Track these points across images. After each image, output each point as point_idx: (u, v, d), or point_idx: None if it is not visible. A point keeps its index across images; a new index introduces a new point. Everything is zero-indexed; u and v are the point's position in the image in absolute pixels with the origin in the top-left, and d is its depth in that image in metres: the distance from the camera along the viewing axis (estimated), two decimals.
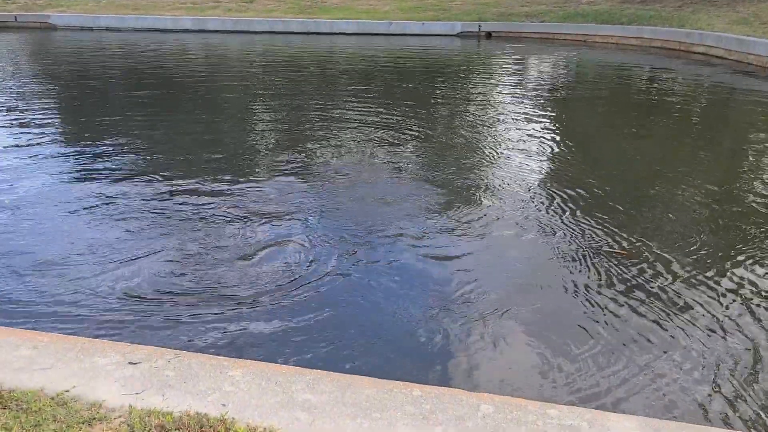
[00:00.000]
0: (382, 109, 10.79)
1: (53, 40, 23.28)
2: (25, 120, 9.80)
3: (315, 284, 4.55)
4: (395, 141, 8.68)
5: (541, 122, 9.91)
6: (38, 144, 8.35)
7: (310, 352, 3.76)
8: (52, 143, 8.50)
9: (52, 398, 2.62)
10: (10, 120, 9.79)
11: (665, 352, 3.77)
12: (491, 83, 14.14)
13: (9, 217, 5.73)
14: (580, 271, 4.82)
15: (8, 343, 3.07)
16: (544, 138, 8.91)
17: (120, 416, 2.54)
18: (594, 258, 5.03)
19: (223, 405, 2.68)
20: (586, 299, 4.40)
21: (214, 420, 2.54)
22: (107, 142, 8.46)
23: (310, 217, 5.82)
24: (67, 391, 2.68)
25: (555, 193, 6.54)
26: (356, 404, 2.74)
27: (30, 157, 7.68)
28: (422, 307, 4.28)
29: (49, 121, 9.94)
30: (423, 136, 9.10)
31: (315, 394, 2.80)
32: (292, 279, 4.62)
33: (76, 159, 7.68)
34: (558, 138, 8.99)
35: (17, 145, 8.26)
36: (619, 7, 22.73)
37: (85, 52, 19.64)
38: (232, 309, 4.19)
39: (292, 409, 2.68)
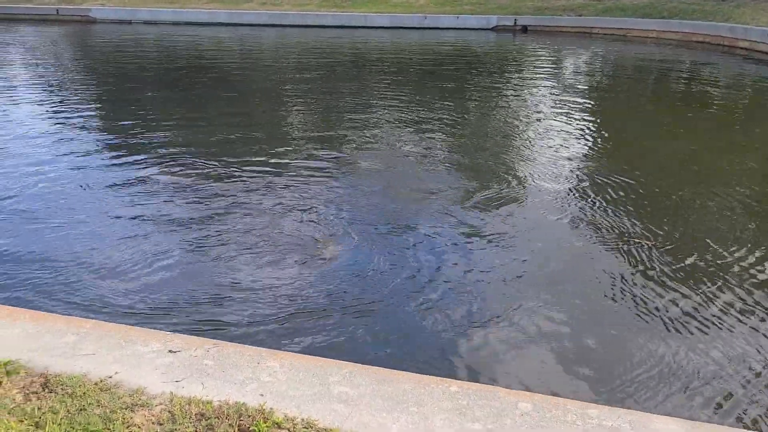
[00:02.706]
0: (414, 101, 10.75)
1: (93, 33, 23.75)
2: (66, 108, 10.02)
3: (344, 277, 4.56)
4: (428, 132, 8.65)
5: (576, 116, 9.77)
6: (78, 132, 8.52)
7: (342, 343, 3.76)
8: (90, 133, 8.66)
9: (96, 384, 2.67)
10: (53, 109, 10.01)
11: (705, 350, 3.68)
12: (526, 77, 13.98)
13: (46, 203, 5.86)
14: (613, 262, 4.75)
15: (54, 329, 3.14)
16: (579, 131, 8.79)
17: (161, 403, 2.58)
18: (624, 248, 4.97)
19: (261, 395, 2.70)
20: (621, 292, 4.33)
21: (253, 410, 2.56)
22: (144, 131, 8.60)
23: (341, 208, 5.82)
24: (110, 377, 2.73)
25: (589, 183, 6.47)
26: (393, 398, 2.73)
27: (68, 144, 7.85)
28: (455, 301, 4.25)
29: (88, 111, 10.14)
30: (456, 128, 9.05)
31: (352, 386, 2.81)
32: (325, 269, 4.64)
33: (113, 148, 7.81)
34: (593, 131, 8.86)
35: (59, 132, 8.44)
36: (659, 1, 22.26)
37: (123, 45, 20.00)
38: (265, 299, 4.22)
39: (329, 401, 2.68)
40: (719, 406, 3.26)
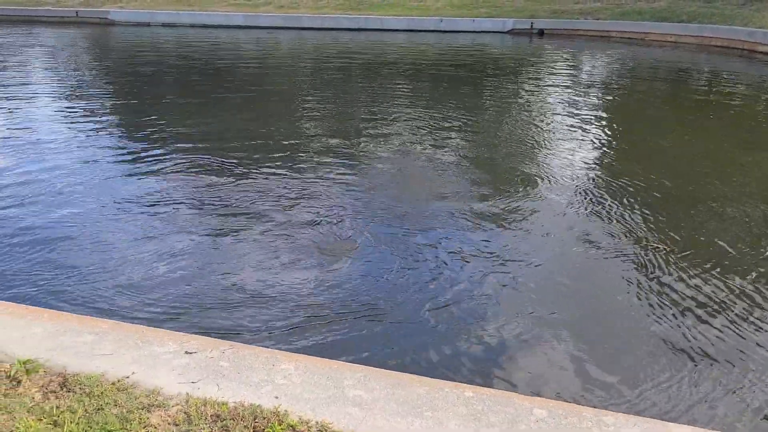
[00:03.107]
0: (430, 104, 10.76)
1: (112, 35, 24.01)
2: (83, 109, 10.13)
3: (358, 280, 4.57)
4: (443, 134, 8.64)
5: (592, 119, 9.72)
6: (94, 132, 8.61)
7: (356, 347, 3.77)
8: (106, 133, 8.75)
9: (113, 383, 2.69)
10: (70, 109, 10.13)
11: (724, 357, 3.65)
12: (542, 80, 13.93)
13: (62, 204, 5.92)
14: (630, 267, 4.71)
15: (72, 329, 3.18)
16: (595, 134, 8.74)
17: (177, 404, 2.60)
18: (641, 252, 4.94)
19: (276, 397, 2.71)
20: (637, 298, 4.29)
21: (268, 412, 2.58)
22: (160, 132, 8.68)
23: (356, 210, 5.83)
24: (127, 377, 2.75)
25: (606, 186, 6.45)
26: (407, 402, 2.73)
27: (85, 144, 7.93)
28: (469, 306, 4.24)
29: (105, 111, 10.25)
30: (471, 131, 9.04)
31: (366, 390, 2.81)
32: (339, 271, 4.65)
33: (129, 149, 7.89)
34: (609, 134, 8.81)
35: (76, 132, 8.54)
36: (678, 5, 22.10)
37: (141, 46, 20.20)
38: (280, 301, 4.24)
39: (343, 405, 2.69)
40: (739, 417, 3.22)
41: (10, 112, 10.04)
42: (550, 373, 3.57)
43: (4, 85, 12.51)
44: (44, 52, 18.44)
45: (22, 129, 8.87)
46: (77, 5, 30.12)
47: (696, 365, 3.62)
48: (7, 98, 11.14)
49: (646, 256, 4.99)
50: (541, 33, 23.07)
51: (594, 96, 11.97)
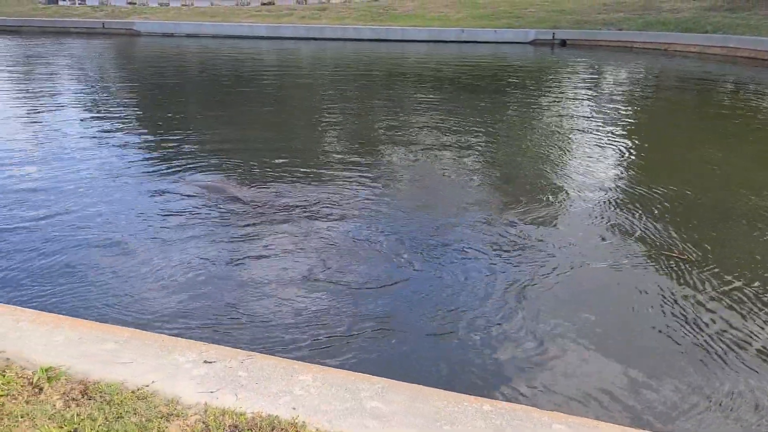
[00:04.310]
0: (452, 114, 10.75)
1: (137, 46, 24.39)
2: (107, 117, 10.29)
3: (377, 291, 4.55)
4: (465, 144, 8.62)
5: (615, 129, 9.63)
6: (117, 140, 8.74)
7: (375, 358, 3.76)
8: (129, 141, 8.87)
9: (133, 392, 2.71)
10: (94, 117, 10.29)
11: (745, 373, 3.57)
12: (564, 90, 13.86)
13: (87, 213, 6.01)
14: (651, 277, 4.65)
15: (93, 336, 3.21)
16: (618, 144, 8.66)
17: (196, 413, 2.61)
18: (662, 263, 4.89)
19: (294, 408, 2.70)
20: (659, 309, 4.22)
21: (286, 423, 2.57)
22: (183, 140, 8.77)
23: (377, 221, 5.83)
24: (147, 386, 2.77)
25: (627, 196, 6.38)
26: (425, 415, 2.71)
27: (107, 152, 8.05)
28: (490, 317, 4.21)
29: (131, 120, 10.40)
30: (493, 141, 9.02)
31: (384, 402, 2.79)
32: (359, 283, 4.64)
33: (153, 158, 7.99)
34: (632, 144, 8.72)
35: (99, 139, 8.67)
36: (703, 15, 21.88)
37: (166, 57, 20.49)
38: (299, 311, 4.25)
39: (361, 417, 2.68)
40: None
41: (39, 121, 10.23)
42: (571, 388, 3.52)
43: (33, 94, 12.77)
44: (72, 62, 18.79)
45: (49, 137, 9.03)
46: (104, 17, 30.68)
47: (718, 381, 3.55)
48: (35, 107, 11.36)
49: (672, 268, 4.92)
50: (563, 43, 22.97)
51: (617, 106, 11.88)
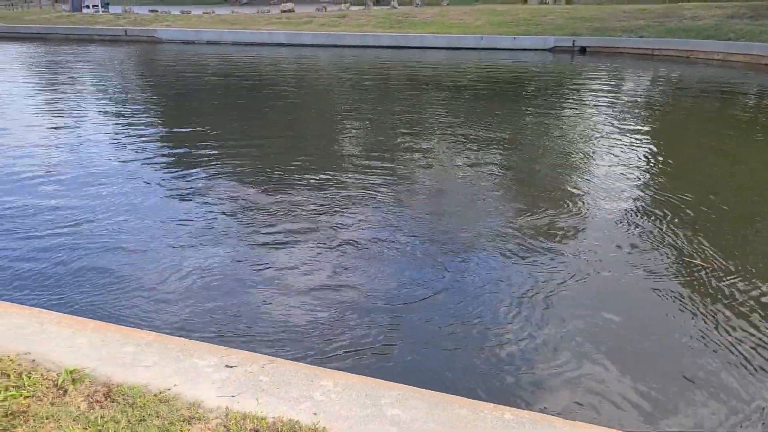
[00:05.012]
0: (470, 121, 10.73)
1: (159, 53, 24.69)
2: (131, 123, 10.41)
3: (397, 297, 4.55)
4: (483, 151, 8.60)
5: (635, 136, 9.55)
6: (138, 146, 8.84)
7: (394, 365, 3.75)
8: (150, 147, 8.97)
9: (155, 395, 2.73)
10: (116, 122, 10.43)
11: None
12: (584, 97, 13.78)
13: (108, 217, 6.08)
14: (671, 286, 4.59)
15: (116, 339, 3.24)
16: (637, 151, 8.58)
17: (217, 417, 2.62)
18: (683, 271, 4.83)
19: (315, 414, 2.71)
20: (680, 317, 4.17)
21: (306, 428, 2.58)
22: (203, 147, 8.85)
23: (394, 227, 5.83)
24: (169, 389, 2.79)
25: (646, 204, 6.33)
26: (446, 423, 2.70)
27: (128, 156, 8.15)
28: (509, 328, 4.19)
29: (153, 126, 10.51)
30: (511, 148, 8.98)
31: (404, 409, 2.79)
32: (378, 290, 4.64)
33: (171, 162, 8.07)
34: (652, 151, 8.64)
35: (120, 144, 8.78)
36: (725, 23, 21.65)
37: (187, 64, 20.71)
38: (317, 317, 4.25)
39: (381, 423, 2.67)
40: None
41: (62, 126, 10.38)
42: (594, 398, 3.49)
43: (57, 100, 12.98)
44: (95, 69, 19.06)
45: (73, 143, 9.17)
46: (126, 24, 31.10)
47: (741, 391, 3.49)
48: (60, 112, 11.54)
49: (695, 275, 4.86)
50: (583, 50, 22.85)
51: (637, 114, 11.78)
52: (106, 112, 11.91)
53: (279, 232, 5.76)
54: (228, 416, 2.63)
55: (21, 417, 2.52)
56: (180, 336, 3.67)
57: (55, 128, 10.22)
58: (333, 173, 7.74)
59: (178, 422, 2.54)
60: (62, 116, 11.30)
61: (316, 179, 7.45)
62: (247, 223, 5.98)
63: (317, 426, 2.59)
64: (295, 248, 5.41)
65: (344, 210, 6.35)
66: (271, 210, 6.32)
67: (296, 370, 3.08)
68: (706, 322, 4.24)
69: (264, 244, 5.51)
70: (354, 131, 10.64)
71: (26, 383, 2.74)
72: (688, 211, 6.33)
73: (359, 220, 6.07)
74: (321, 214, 6.23)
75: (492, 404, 2.92)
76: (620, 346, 3.98)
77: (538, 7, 32.46)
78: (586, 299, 4.56)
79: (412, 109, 12.50)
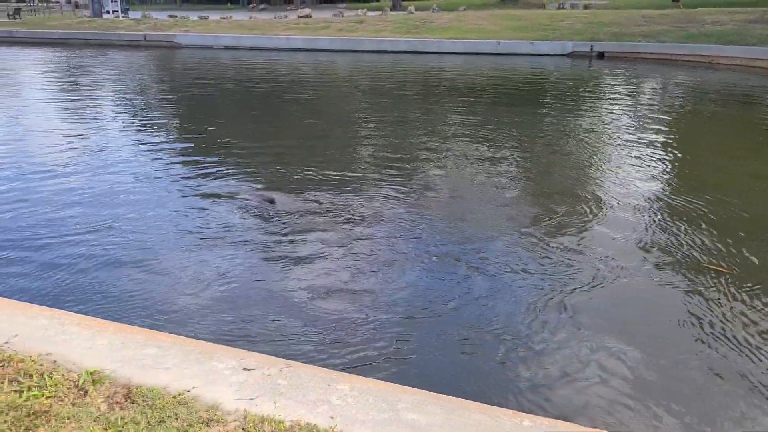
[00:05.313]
0: (486, 126, 10.70)
1: (178, 57, 24.94)
2: (151, 126, 10.52)
3: (414, 303, 4.55)
4: (499, 156, 8.58)
5: (653, 141, 9.46)
6: (160, 151, 8.93)
7: (411, 370, 3.75)
8: (172, 152, 9.05)
9: (174, 397, 2.75)
10: (137, 128, 10.54)
11: None
12: (602, 102, 13.69)
13: (127, 222, 6.14)
14: (689, 290, 4.54)
15: (136, 341, 3.27)
16: (655, 157, 8.51)
17: (235, 420, 2.63)
18: (700, 276, 4.82)
19: (332, 417, 2.71)
20: (698, 322, 4.12)
21: None
22: (221, 151, 8.92)
23: (412, 232, 5.83)
24: (188, 391, 2.81)
25: (664, 208, 6.28)
26: (463, 428, 2.69)
27: (148, 159, 8.23)
28: (525, 333, 4.16)
29: (172, 130, 10.62)
30: (528, 153, 8.95)
31: (422, 414, 2.78)
32: (395, 295, 4.64)
33: (192, 168, 8.13)
34: (670, 157, 8.56)
35: (142, 148, 8.88)
36: (747, 28, 21.42)
37: (205, 68, 20.90)
38: (335, 320, 4.26)
39: (398, 427, 2.67)
40: None
41: (81, 134, 10.52)
42: (610, 405, 3.45)
43: (76, 104, 13.15)
44: (115, 73, 19.30)
45: (92, 148, 9.28)
46: (146, 29, 31.45)
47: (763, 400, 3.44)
48: (80, 117, 11.69)
49: (715, 281, 4.80)
50: (601, 56, 22.71)
51: (656, 119, 11.68)
52: (125, 117, 12.05)
53: (296, 237, 5.78)
54: (246, 419, 2.64)
55: (43, 417, 2.55)
56: (198, 339, 3.70)
57: (74, 133, 10.35)
58: (350, 178, 7.75)
59: (196, 424, 2.55)
60: (82, 121, 11.45)
61: (332, 184, 7.47)
62: (264, 228, 6.01)
63: (334, 430, 2.59)
64: (312, 252, 5.42)
65: (361, 214, 6.36)
66: (289, 214, 6.34)
67: (313, 374, 3.08)
68: (730, 330, 4.19)
69: (281, 248, 5.53)
70: (371, 136, 10.66)
71: (48, 383, 2.77)
72: (709, 216, 6.26)
73: (376, 225, 6.08)
74: (338, 218, 6.24)
75: (511, 411, 2.90)
76: (640, 354, 3.94)
77: (557, 12, 32.33)
78: (603, 305, 4.53)
79: (429, 114, 12.50)
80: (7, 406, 2.61)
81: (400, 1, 47.58)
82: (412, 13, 33.96)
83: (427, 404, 2.87)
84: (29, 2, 55.61)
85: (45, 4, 51.15)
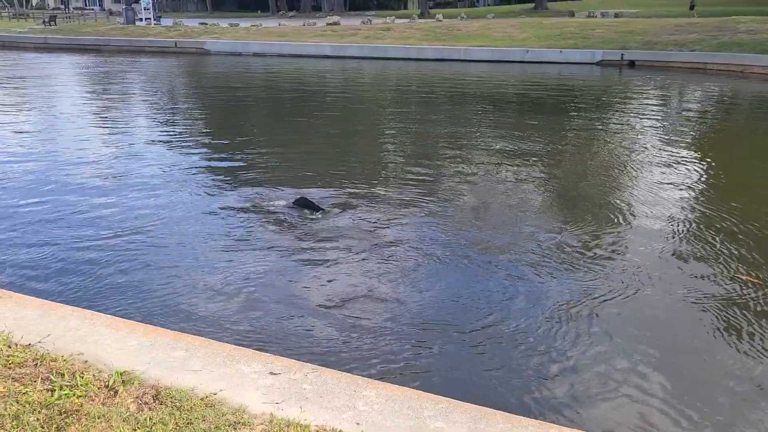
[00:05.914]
0: (513, 133, 10.65)
1: (207, 64, 25.31)
2: (179, 133, 10.68)
3: (440, 311, 4.53)
4: (525, 163, 8.52)
5: (683, 151, 9.32)
6: (185, 154, 9.05)
7: (436, 378, 3.73)
8: (196, 156, 9.17)
9: (202, 399, 2.78)
10: (167, 133, 10.71)
11: None
12: (631, 111, 13.53)
13: (156, 227, 6.22)
14: (719, 301, 4.45)
15: (164, 343, 3.31)
16: (685, 166, 8.37)
17: (261, 423, 2.65)
18: (732, 286, 4.73)
19: (357, 423, 2.71)
20: (727, 334, 4.03)
21: None
22: (247, 157, 9.01)
23: (436, 239, 5.81)
24: (215, 393, 2.83)
25: (694, 218, 6.17)
26: None
27: (176, 164, 8.35)
28: (552, 344, 4.12)
29: (200, 135, 10.76)
30: (555, 160, 8.88)
31: (447, 422, 2.77)
32: (419, 300, 4.63)
33: (219, 172, 8.23)
34: (700, 166, 8.42)
35: (171, 153, 9.01)
36: None
37: (234, 74, 21.16)
38: (360, 326, 4.26)
39: None
40: None
41: (112, 143, 10.72)
42: (641, 418, 3.40)
43: (108, 109, 13.41)
44: (146, 79, 19.65)
45: (123, 154, 9.45)
46: (177, 36, 31.98)
47: None
48: (113, 122, 11.92)
49: (746, 292, 4.70)
50: (631, 64, 22.47)
51: (687, 129, 11.51)
52: (156, 122, 12.25)
53: (323, 243, 5.80)
54: (272, 423, 2.65)
55: (74, 416, 2.60)
56: (224, 341, 3.73)
57: (105, 137, 10.55)
58: (375, 185, 7.77)
59: (223, 426, 2.57)
60: (113, 126, 11.67)
61: (358, 191, 7.49)
62: (290, 234, 6.05)
63: None
64: (337, 259, 5.44)
65: (387, 222, 6.37)
66: (314, 221, 6.38)
67: (339, 380, 3.09)
68: (759, 343, 4.09)
69: (308, 254, 5.56)
70: (397, 143, 10.67)
71: (79, 383, 2.82)
72: (744, 226, 6.14)
73: (402, 233, 6.08)
74: (364, 225, 6.26)
75: (537, 421, 2.88)
76: (671, 367, 3.87)
77: (586, 20, 32.09)
78: (632, 315, 4.46)
79: (456, 122, 12.48)
80: (40, 404, 2.66)
81: (428, 8, 47.70)
82: (439, 21, 34.01)
83: (452, 412, 2.86)
84: (65, 9, 56.98)
85: (80, 12, 52.36)
